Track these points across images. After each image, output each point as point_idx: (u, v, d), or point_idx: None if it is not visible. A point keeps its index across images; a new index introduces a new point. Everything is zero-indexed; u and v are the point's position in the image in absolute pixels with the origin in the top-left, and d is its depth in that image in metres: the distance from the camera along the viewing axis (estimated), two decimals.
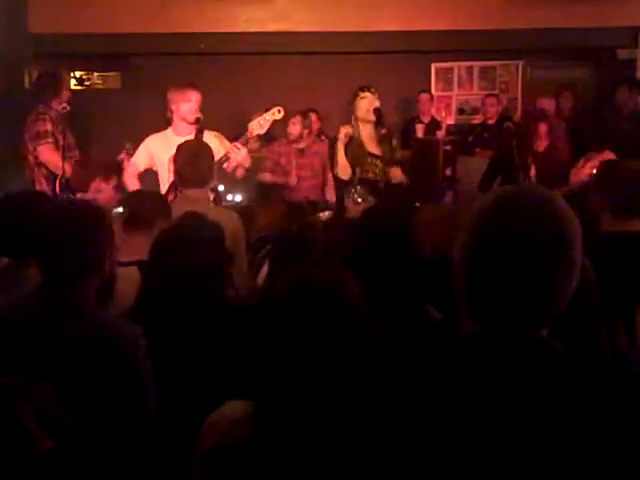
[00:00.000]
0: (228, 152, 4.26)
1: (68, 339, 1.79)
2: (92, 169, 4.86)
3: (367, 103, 4.40)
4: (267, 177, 5.81)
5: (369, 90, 4.44)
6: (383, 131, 4.48)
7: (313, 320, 1.40)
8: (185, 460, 1.71)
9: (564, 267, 1.22)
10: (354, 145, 4.45)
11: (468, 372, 1.22)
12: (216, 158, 3.80)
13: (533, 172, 4.77)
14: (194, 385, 2.09)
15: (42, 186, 4.90)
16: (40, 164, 4.96)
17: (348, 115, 7.27)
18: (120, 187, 4.90)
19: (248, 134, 4.54)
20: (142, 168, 4.51)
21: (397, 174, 4.57)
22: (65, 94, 5.16)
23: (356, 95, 4.44)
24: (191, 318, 2.17)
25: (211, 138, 4.31)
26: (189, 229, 2.32)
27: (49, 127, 4.91)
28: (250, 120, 6.60)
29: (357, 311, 1.44)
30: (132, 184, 4.46)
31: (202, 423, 1.56)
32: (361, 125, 4.43)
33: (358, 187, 4.35)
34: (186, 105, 4.40)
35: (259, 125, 4.52)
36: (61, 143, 4.86)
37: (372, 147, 4.50)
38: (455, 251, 1.29)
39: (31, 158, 4.99)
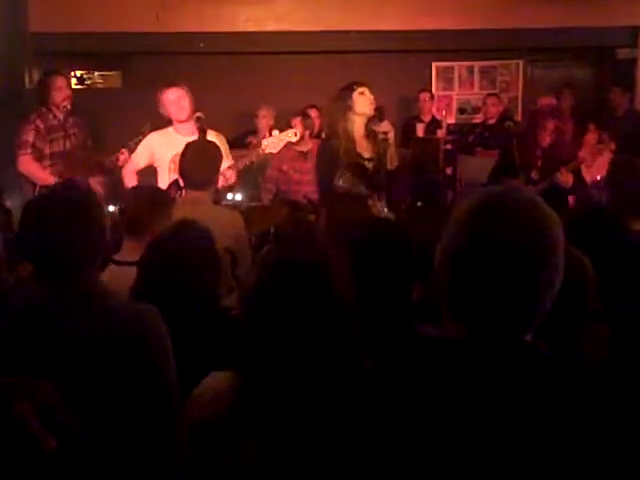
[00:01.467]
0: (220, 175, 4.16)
1: (84, 333, 1.75)
2: (75, 165, 4.89)
3: (366, 98, 4.37)
4: (268, 195, 5.73)
5: (364, 85, 4.40)
6: (382, 136, 4.41)
7: (296, 296, 1.42)
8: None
9: (547, 271, 1.20)
10: (346, 141, 4.37)
11: (453, 377, 1.21)
12: None
13: (539, 165, 4.78)
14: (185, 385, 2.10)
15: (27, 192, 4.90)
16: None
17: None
18: (107, 184, 4.94)
19: (260, 150, 4.51)
20: (142, 165, 4.51)
21: (393, 160, 4.49)
22: (59, 94, 5.05)
23: (352, 89, 4.36)
24: (183, 324, 2.17)
25: (212, 140, 4.30)
26: (180, 238, 2.31)
27: (31, 137, 4.90)
28: (254, 118, 6.67)
29: (341, 290, 1.46)
30: (130, 181, 4.46)
31: None
32: (357, 120, 4.37)
33: (347, 174, 4.28)
34: (172, 106, 4.39)
35: (273, 144, 4.49)
36: (46, 152, 4.87)
37: (362, 147, 4.43)
38: (437, 254, 1.27)
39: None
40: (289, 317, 1.41)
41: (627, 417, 1.17)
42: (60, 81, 5.09)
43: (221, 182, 4.15)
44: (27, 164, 4.89)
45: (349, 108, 4.33)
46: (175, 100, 4.39)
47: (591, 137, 5.79)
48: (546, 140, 4.79)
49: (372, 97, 4.35)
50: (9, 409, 1.32)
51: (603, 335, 2.26)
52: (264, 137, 6.04)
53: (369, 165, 4.39)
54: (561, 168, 4.69)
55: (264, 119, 6.77)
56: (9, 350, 1.76)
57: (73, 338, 1.75)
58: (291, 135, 4.54)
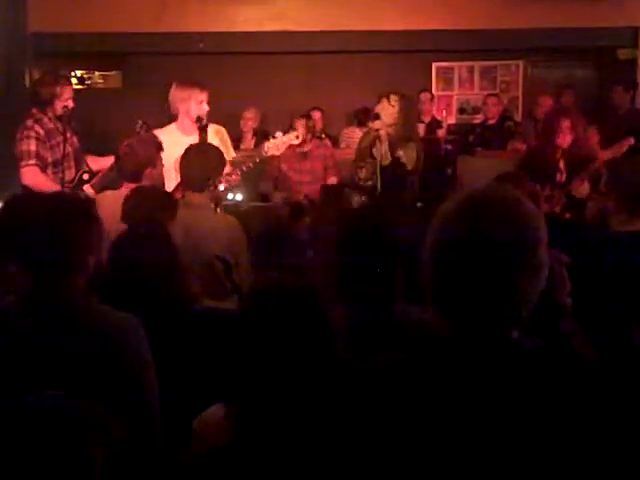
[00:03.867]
0: (224, 178, 4.00)
1: (65, 342, 1.74)
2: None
3: (382, 107, 4.80)
4: (264, 194, 5.71)
5: (393, 94, 4.85)
6: (374, 133, 4.86)
7: (283, 323, 1.45)
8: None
9: (529, 268, 1.22)
10: (364, 142, 4.75)
11: (439, 375, 1.23)
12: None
13: (562, 166, 4.74)
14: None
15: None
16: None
17: (349, 115, 7.35)
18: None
19: (263, 152, 4.50)
20: None
21: (385, 156, 4.81)
22: (68, 104, 4.72)
23: (387, 98, 4.84)
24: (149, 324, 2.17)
25: (213, 136, 4.29)
26: (135, 238, 2.32)
27: (33, 146, 4.52)
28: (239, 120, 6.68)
29: (328, 316, 1.48)
30: None
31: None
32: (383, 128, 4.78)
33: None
34: (197, 107, 4.34)
35: (276, 147, 4.48)
36: (49, 160, 4.56)
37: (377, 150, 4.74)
38: (423, 250, 1.29)
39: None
40: (277, 344, 1.43)
41: (611, 410, 1.19)
42: (68, 92, 4.75)
43: (224, 184, 4.16)
44: (33, 176, 4.49)
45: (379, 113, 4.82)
46: (205, 102, 4.36)
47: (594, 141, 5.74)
48: (566, 140, 4.70)
49: (390, 105, 4.73)
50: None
51: (566, 331, 2.26)
52: (248, 139, 6.08)
53: (372, 162, 4.70)
54: (577, 179, 4.59)
55: (249, 121, 6.78)
56: None
57: (48, 345, 1.73)
58: (293, 138, 4.55)
